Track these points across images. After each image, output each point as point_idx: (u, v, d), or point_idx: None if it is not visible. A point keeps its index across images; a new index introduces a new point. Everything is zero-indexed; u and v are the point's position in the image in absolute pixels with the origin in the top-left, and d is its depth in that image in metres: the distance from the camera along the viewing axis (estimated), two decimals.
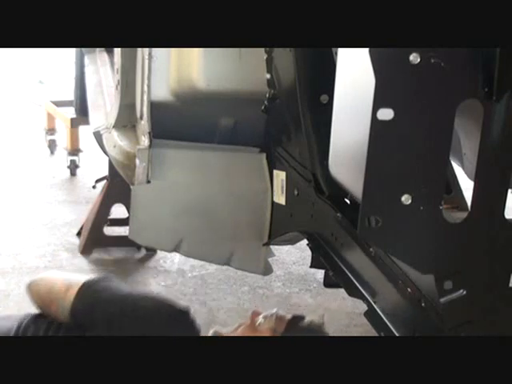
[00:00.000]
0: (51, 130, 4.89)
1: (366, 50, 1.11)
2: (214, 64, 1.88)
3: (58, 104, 4.61)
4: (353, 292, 1.53)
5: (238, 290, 3.10)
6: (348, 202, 1.60)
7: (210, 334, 1.56)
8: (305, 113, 1.63)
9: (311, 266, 1.81)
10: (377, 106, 1.11)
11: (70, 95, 4.10)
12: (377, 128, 1.12)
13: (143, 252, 3.40)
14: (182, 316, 1.54)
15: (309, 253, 1.79)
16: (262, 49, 1.78)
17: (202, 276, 3.24)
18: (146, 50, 1.90)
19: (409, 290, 1.33)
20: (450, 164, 1.82)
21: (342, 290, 1.59)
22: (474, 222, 1.21)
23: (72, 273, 1.64)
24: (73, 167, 4.47)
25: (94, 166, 4.09)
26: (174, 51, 1.91)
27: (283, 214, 1.93)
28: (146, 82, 1.92)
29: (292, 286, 3.18)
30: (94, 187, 3.44)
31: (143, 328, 1.47)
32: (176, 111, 1.97)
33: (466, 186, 1.59)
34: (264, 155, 2.02)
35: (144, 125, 1.96)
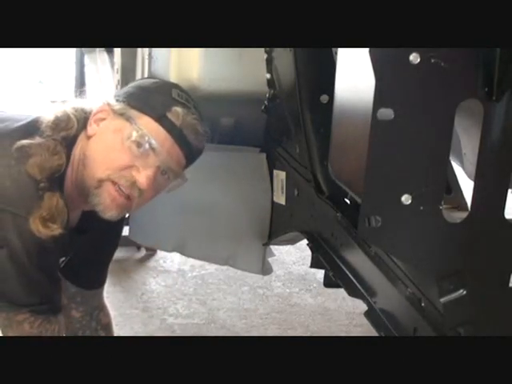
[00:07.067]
0: None
1: (366, 50, 1.11)
2: (213, 64, 1.88)
3: None
4: (353, 292, 1.53)
5: (237, 289, 3.10)
6: (348, 201, 1.60)
7: None
8: (305, 113, 1.63)
9: (311, 266, 1.81)
10: (377, 105, 1.11)
11: (70, 95, 4.10)
12: (377, 128, 1.12)
13: (143, 252, 3.40)
14: None
15: (309, 253, 1.79)
16: (262, 49, 1.78)
17: (202, 276, 3.24)
18: (146, 49, 1.90)
19: (409, 290, 1.33)
20: (450, 164, 1.82)
21: (342, 290, 1.59)
22: (474, 222, 1.21)
23: None
24: None
25: None
26: (174, 51, 1.90)
27: (283, 214, 1.93)
28: None
29: (292, 286, 3.19)
30: None
31: None
32: None
33: (466, 186, 1.59)
34: (264, 155, 2.02)
35: None
